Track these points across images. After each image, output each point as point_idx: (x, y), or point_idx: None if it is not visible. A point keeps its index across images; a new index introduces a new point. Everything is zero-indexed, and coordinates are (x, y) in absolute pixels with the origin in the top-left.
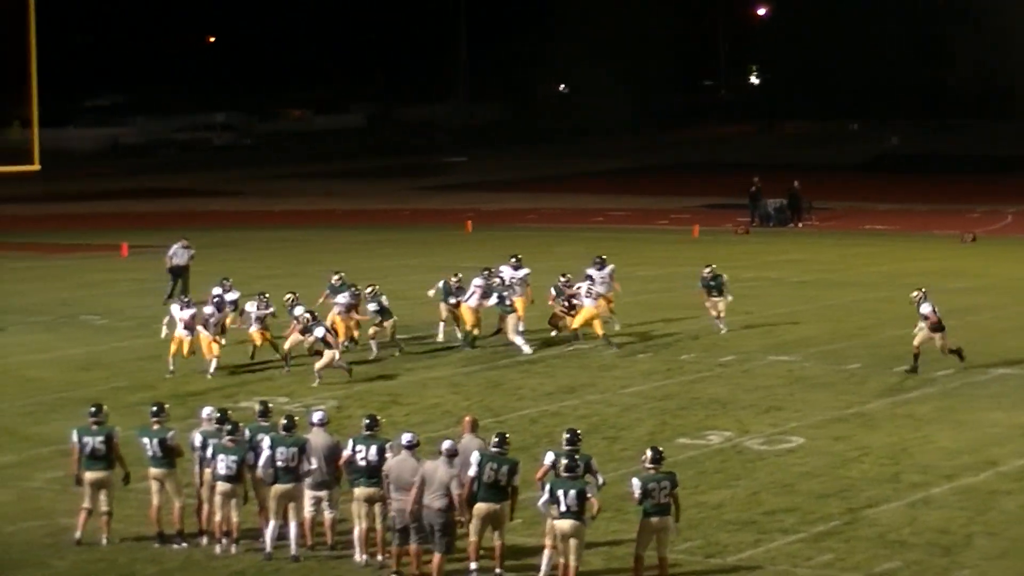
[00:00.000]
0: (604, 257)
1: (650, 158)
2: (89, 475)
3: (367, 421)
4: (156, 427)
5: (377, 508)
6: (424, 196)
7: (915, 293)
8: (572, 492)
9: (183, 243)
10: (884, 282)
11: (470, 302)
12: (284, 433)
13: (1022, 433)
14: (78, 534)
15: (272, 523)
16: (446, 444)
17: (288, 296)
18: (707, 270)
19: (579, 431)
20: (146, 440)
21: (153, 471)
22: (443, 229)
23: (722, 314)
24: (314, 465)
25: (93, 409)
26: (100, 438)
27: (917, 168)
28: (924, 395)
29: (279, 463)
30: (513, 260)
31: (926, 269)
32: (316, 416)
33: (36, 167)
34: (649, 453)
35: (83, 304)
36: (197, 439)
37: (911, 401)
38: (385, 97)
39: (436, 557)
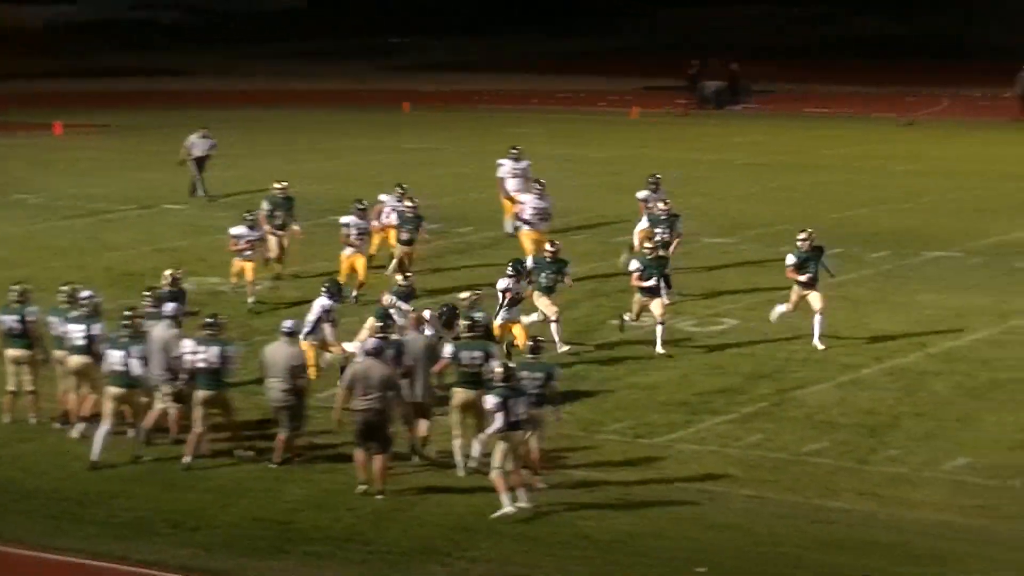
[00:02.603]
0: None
1: (585, 41)
2: (9, 352)
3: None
4: (16, 305)
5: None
6: (366, 77)
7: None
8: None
9: (203, 132)
10: (825, 165)
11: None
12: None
13: (953, 315)
14: (6, 418)
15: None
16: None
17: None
18: (802, 236)
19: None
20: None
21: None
22: (382, 110)
23: (820, 311)
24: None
25: (14, 287)
26: (16, 317)
27: (858, 53)
28: (860, 277)
29: (200, 364)
30: (513, 151)
31: (865, 152)
32: (286, 325)
33: None
34: (529, 343)
35: (19, 184)
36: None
37: (846, 283)
38: None
39: (377, 459)
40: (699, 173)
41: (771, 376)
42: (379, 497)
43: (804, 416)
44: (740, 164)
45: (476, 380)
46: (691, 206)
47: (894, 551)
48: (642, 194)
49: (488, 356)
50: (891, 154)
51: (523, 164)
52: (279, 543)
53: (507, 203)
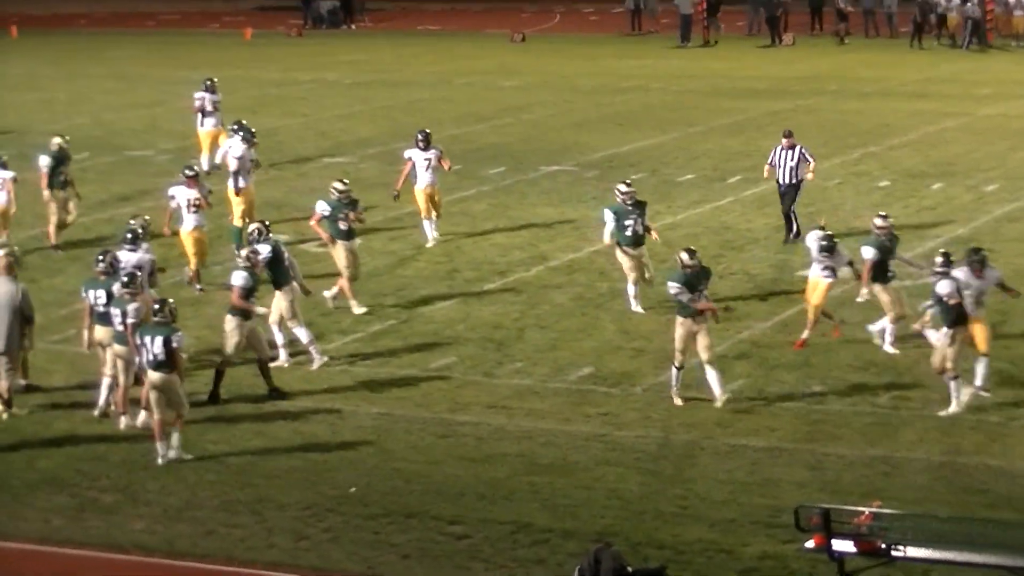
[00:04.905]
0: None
1: None
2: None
3: None
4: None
5: None
6: None
7: None
8: (159, 339)
9: None
10: (440, 82)
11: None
12: None
13: (571, 228)
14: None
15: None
16: None
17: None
18: (626, 190)
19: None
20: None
21: None
22: None
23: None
24: None
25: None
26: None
27: None
28: (480, 193)
29: None
30: (208, 82)
31: (480, 68)
32: None
33: None
34: None
35: None
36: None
37: (467, 199)
38: None
39: None
40: (299, 94)
41: (396, 293)
42: None
43: (431, 332)
44: (347, 84)
45: (108, 318)
46: (293, 126)
47: (522, 462)
48: (407, 151)
49: (110, 296)
50: (499, 69)
51: (219, 96)
52: None
53: (205, 139)
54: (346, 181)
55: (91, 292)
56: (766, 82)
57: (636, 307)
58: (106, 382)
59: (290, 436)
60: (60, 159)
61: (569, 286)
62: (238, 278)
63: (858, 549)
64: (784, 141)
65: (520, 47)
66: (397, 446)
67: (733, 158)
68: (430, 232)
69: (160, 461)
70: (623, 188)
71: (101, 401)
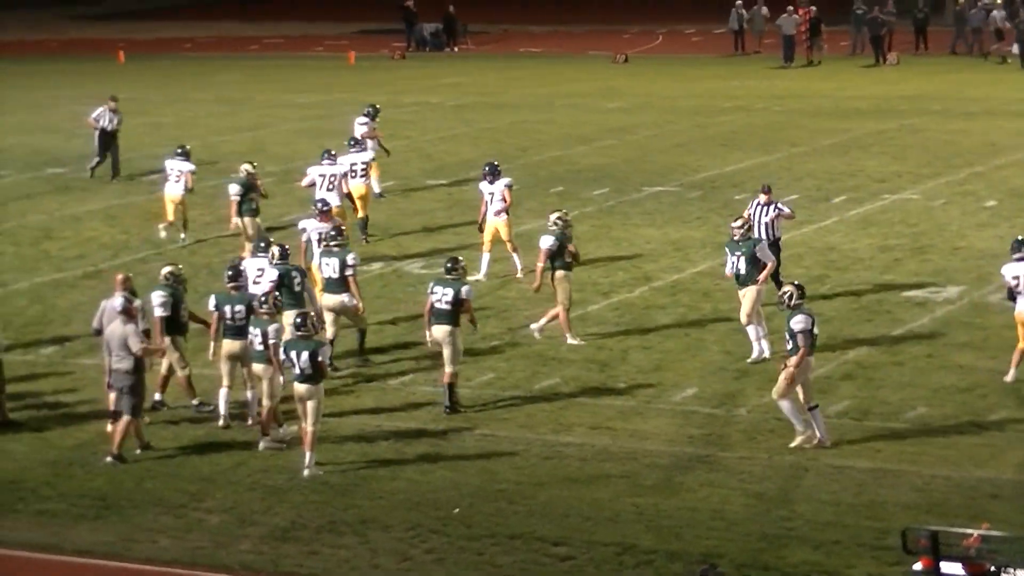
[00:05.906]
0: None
1: None
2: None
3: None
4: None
5: None
6: (74, 25)
7: None
8: (305, 353)
9: (111, 105)
10: (542, 104)
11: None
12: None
13: (674, 248)
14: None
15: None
16: (118, 301)
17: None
18: (737, 224)
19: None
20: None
21: None
22: (95, 60)
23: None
24: None
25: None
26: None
27: None
28: (583, 214)
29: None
30: (370, 109)
31: (582, 90)
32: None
33: None
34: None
35: None
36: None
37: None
38: None
39: (123, 420)
40: (403, 116)
41: (500, 315)
42: (107, 459)
43: (535, 353)
44: (450, 106)
45: (241, 331)
46: (398, 147)
47: (626, 483)
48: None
49: (250, 308)
50: (601, 91)
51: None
52: (10, 502)
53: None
54: (566, 210)
55: (226, 307)
56: (870, 102)
57: (766, 350)
58: (223, 393)
59: (394, 457)
60: (249, 186)
61: (673, 307)
62: (468, 292)
63: (967, 572)
64: (762, 197)
65: (623, 68)
66: (501, 467)
67: (837, 178)
68: (485, 267)
69: (306, 473)
70: (732, 224)
71: (223, 411)
